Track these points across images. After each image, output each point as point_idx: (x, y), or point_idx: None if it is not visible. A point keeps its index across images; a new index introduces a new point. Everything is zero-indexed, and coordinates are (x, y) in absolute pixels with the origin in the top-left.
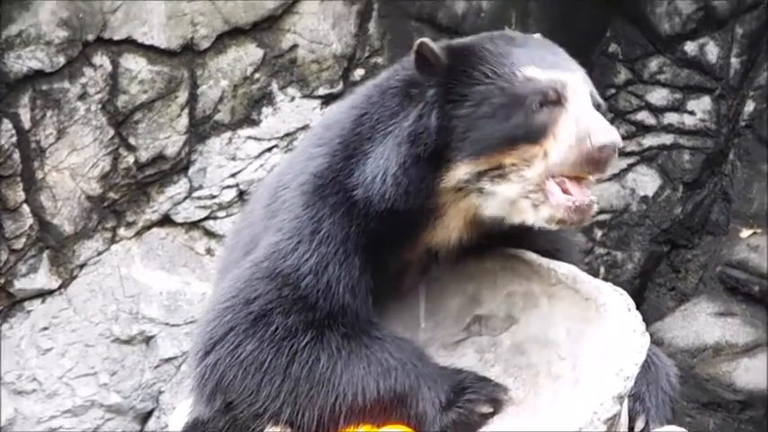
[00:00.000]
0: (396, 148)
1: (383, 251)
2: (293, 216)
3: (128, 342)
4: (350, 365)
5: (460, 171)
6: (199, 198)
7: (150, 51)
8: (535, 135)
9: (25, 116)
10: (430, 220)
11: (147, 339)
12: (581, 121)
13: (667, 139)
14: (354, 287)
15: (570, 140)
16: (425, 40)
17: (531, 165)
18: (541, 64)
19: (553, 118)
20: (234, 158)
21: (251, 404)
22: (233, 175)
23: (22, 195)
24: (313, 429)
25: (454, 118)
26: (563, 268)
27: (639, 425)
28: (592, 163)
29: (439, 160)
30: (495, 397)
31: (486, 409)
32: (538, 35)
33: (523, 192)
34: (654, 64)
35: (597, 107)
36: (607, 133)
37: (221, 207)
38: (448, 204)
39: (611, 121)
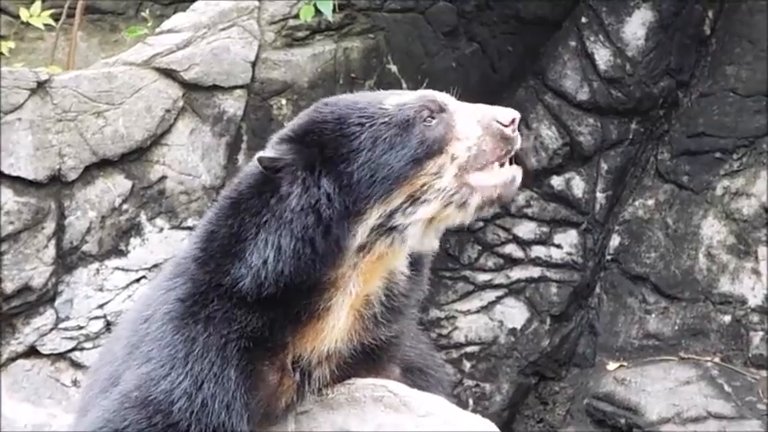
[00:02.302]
0: (286, 229)
1: (262, 359)
2: (164, 344)
3: None
4: None
5: (372, 218)
6: (65, 329)
7: (17, 182)
8: (438, 145)
9: None
10: (320, 304)
11: None
12: (478, 112)
13: (535, 271)
14: (230, 403)
15: (476, 133)
16: (260, 154)
17: (443, 174)
18: (394, 95)
19: (448, 124)
20: (101, 289)
21: None
22: (100, 306)
23: None
24: None
25: (354, 172)
26: (432, 400)
27: None
28: (506, 139)
29: (345, 219)
30: None
31: None
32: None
33: (444, 201)
34: (521, 198)
35: None
36: (508, 110)
37: (88, 338)
38: (345, 275)
39: (479, 254)
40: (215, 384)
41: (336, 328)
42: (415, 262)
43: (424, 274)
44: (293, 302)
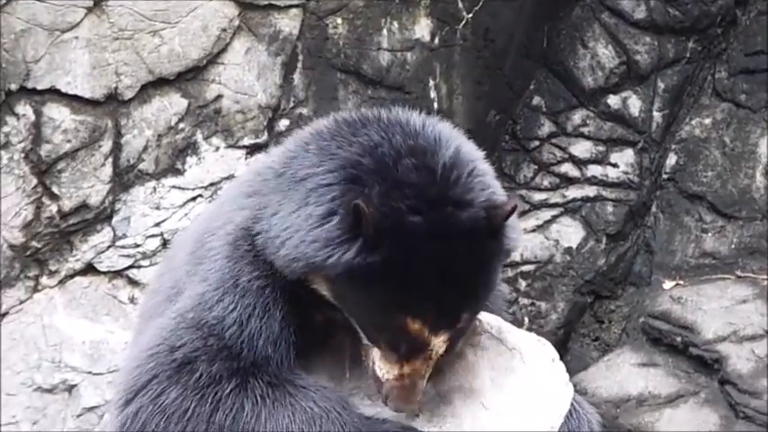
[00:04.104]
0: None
1: (307, 304)
2: (218, 267)
3: (50, 391)
4: (274, 414)
5: None
6: (122, 247)
7: (74, 101)
8: None
9: None
10: None
11: (70, 388)
12: None
13: (591, 191)
14: (276, 341)
15: None
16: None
17: None
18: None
19: None
20: (158, 208)
21: None
22: (157, 225)
23: None
24: None
25: None
26: (487, 318)
27: None
28: None
29: None
30: None
31: None
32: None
33: None
34: (577, 117)
35: None
36: None
37: (145, 256)
38: None
39: (535, 174)
40: (260, 320)
41: None
42: None
43: None
44: None
